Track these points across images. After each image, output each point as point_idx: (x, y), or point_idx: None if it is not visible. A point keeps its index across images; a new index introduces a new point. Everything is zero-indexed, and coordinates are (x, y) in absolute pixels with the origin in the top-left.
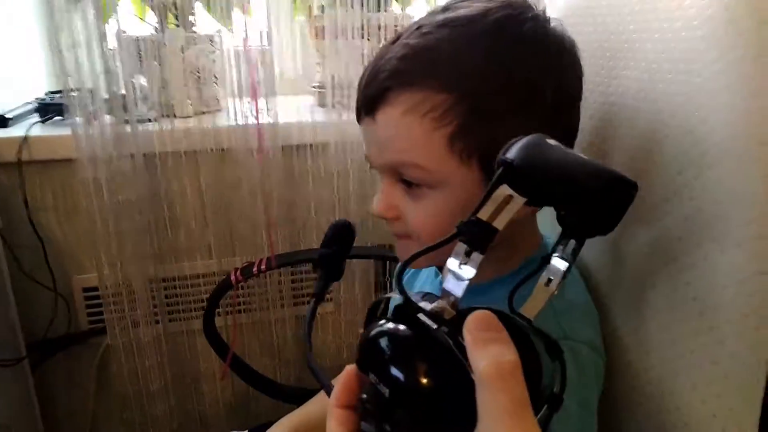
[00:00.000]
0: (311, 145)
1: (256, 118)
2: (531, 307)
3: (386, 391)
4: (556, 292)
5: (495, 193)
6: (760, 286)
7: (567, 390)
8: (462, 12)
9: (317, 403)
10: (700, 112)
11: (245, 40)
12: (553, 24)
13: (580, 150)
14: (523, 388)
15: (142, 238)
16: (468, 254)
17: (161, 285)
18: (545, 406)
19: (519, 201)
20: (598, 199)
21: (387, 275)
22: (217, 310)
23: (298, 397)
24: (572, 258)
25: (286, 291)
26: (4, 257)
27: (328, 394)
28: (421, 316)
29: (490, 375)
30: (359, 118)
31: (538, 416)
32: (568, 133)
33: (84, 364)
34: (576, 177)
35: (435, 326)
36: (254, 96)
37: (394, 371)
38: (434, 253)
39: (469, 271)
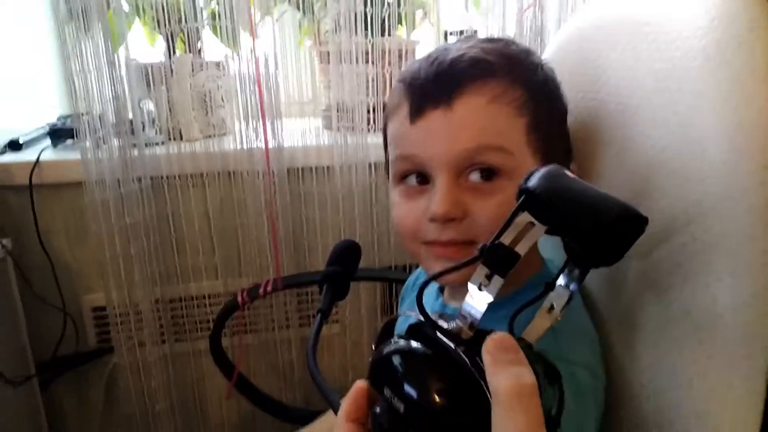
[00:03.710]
0: (316, 168)
1: (265, 139)
2: (532, 332)
3: (401, 407)
4: (559, 319)
5: (516, 219)
6: (750, 315)
7: (565, 416)
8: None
9: (321, 424)
10: (699, 144)
11: (256, 63)
12: None
13: None
14: (540, 411)
15: (149, 260)
16: (488, 277)
17: (168, 305)
18: None
19: (540, 229)
20: (613, 231)
21: (393, 296)
22: (224, 330)
23: (303, 418)
24: (576, 286)
25: (292, 312)
26: (15, 279)
27: (327, 399)
28: (439, 334)
29: (510, 395)
30: (419, 114)
31: None
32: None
33: (92, 383)
34: (594, 208)
35: (453, 345)
36: (263, 116)
37: (411, 387)
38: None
39: (488, 295)
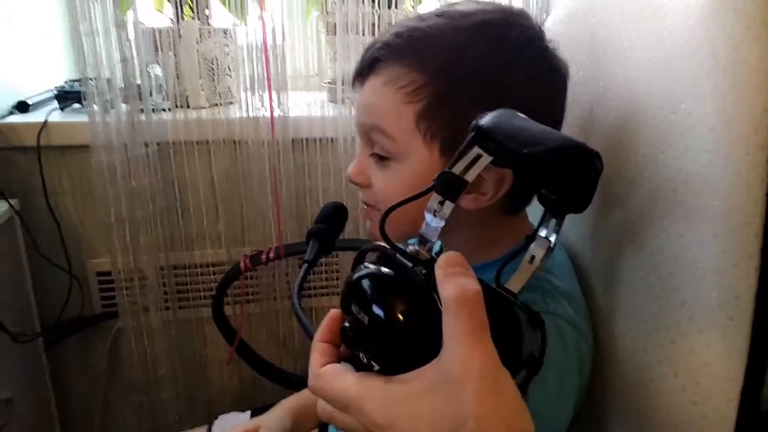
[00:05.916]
0: (320, 139)
1: (270, 108)
2: (515, 282)
3: (366, 319)
4: (539, 269)
5: (467, 153)
6: (733, 278)
7: (548, 363)
8: (459, 8)
9: None
10: (686, 104)
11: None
12: (547, 43)
13: None
14: (484, 314)
15: (154, 225)
16: (441, 204)
17: (172, 272)
18: (524, 369)
19: (486, 159)
20: (553, 159)
21: None
22: (226, 299)
23: (302, 383)
24: (555, 235)
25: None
26: (22, 238)
27: (311, 338)
28: (399, 257)
29: (455, 300)
30: (353, 86)
31: (517, 379)
32: None
33: (96, 346)
34: (535, 139)
35: (410, 265)
36: (269, 85)
37: (373, 300)
38: (411, 223)
39: (442, 218)
